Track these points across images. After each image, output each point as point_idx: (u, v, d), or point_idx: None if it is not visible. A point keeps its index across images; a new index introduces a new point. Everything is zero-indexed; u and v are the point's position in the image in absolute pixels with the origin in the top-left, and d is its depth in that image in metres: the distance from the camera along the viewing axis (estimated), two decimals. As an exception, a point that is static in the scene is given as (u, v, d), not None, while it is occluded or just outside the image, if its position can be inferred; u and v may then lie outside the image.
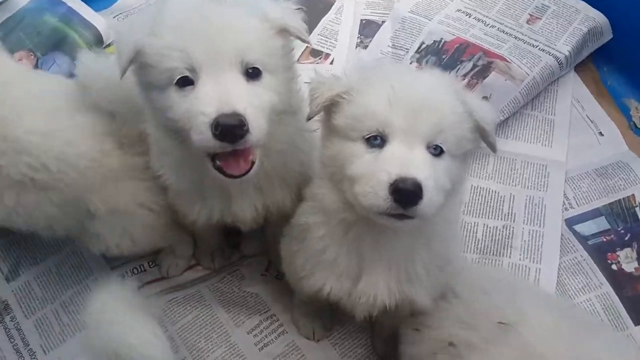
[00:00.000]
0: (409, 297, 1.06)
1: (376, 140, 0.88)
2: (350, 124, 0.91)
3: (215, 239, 1.50)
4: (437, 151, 0.89)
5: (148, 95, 0.99)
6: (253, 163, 0.97)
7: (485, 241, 1.59)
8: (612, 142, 1.80)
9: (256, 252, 1.56)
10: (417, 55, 1.86)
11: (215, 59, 0.90)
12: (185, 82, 0.91)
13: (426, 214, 0.85)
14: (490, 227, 1.62)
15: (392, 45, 1.90)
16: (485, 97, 1.71)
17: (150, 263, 1.53)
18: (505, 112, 1.75)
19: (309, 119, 0.99)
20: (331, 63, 1.93)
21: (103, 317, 0.98)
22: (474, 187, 1.69)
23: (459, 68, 1.80)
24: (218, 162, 0.95)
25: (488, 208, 1.66)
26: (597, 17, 1.88)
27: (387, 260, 1.03)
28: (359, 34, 2.01)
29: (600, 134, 1.82)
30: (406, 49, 1.88)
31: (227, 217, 1.19)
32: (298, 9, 1.06)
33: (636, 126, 1.86)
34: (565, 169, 1.72)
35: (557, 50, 1.83)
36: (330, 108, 0.95)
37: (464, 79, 1.75)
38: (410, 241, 1.01)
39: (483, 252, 1.57)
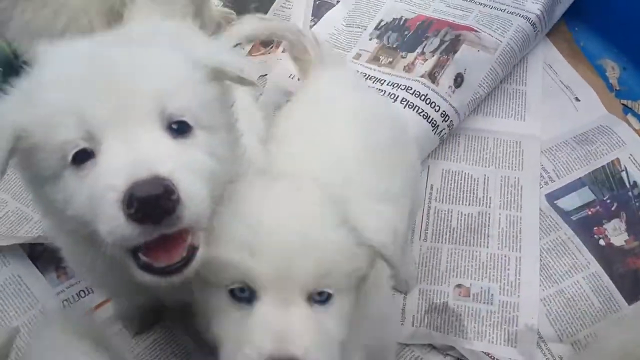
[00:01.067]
0: None
1: (243, 292, 0.68)
2: (209, 271, 0.69)
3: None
4: (323, 297, 0.69)
5: (39, 195, 0.75)
6: (195, 250, 0.68)
7: (460, 230, 1.47)
8: (590, 106, 1.67)
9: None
10: (377, 32, 1.76)
11: (121, 113, 0.65)
12: (84, 157, 0.66)
13: None
14: (464, 215, 1.50)
15: (347, 24, 1.81)
16: (460, 74, 1.59)
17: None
18: (484, 86, 1.63)
19: None
20: (283, 51, 1.77)
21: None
22: (445, 170, 1.57)
23: (425, 44, 1.68)
24: (142, 258, 0.68)
25: (461, 193, 1.54)
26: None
27: None
28: (312, 16, 1.89)
29: (577, 99, 1.69)
30: (363, 26, 1.79)
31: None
32: (235, 45, 0.90)
33: (614, 88, 1.72)
34: (541, 141, 1.59)
35: (526, 11, 1.71)
36: None
37: (432, 56, 1.63)
38: None
39: (458, 242, 1.45)
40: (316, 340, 0.65)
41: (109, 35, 0.91)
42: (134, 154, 0.63)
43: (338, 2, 1.90)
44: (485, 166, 1.57)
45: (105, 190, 0.62)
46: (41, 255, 1.42)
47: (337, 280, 0.69)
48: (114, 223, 0.62)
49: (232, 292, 0.68)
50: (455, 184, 1.55)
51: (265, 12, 1.89)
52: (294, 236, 0.67)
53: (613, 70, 1.76)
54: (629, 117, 1.66)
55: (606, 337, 1.07)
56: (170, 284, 0.69)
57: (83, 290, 1.41)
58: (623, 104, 1.69)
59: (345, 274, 0.70)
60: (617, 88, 1.73)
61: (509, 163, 1.57)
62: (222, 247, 0.67)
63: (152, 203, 0.60)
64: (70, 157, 0.66)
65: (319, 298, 0.68)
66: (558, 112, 1.66)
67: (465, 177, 1.56)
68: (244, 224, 0.68)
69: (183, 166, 0.65)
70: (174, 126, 0.68)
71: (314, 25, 1.86)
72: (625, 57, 1.75)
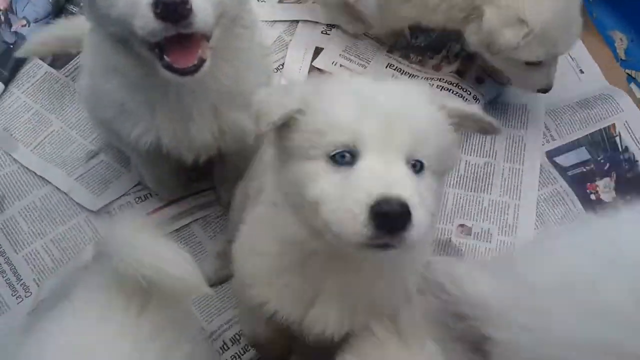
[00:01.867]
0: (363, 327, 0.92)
1: (344, 158, 0.73)
2: (309, 141, 0.75)
3: (164, 167, 1.41)
4: (417, 167, 0.75)
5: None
6: (203, 61, 0.94)
7: (466, 177, 1.62)
8: (593, 78, 1.79)
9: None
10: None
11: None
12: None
13: (414, 241, 0.69)
14: (472, 164, 1.64)
15: None
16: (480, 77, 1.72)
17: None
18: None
19: (257, 137, 0.95)
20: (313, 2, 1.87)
21: (128, 244, 0.90)
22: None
23: (449, 47, 1.79)
24: (166, 58, 0.92)
25: (470, 146, 1.68)
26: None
27: (344, 290, 0.88)
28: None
29: (581, 71, 1.80)
30: None
31: (180, 141, 1.15)
32: None
33: (620, 58, 1.85)
34: (545, 103, 1.72)
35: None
36: (281, 126, 0.78)
37: (456, 60, 1.75)
38: (373, 272, 0.87)
39: (464, 188, 1.61)
40: (416, 196, 0.70)
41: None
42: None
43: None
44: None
45: None
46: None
47: (430, 154, 0.75)
48: (145, 20, 0.86)
49: (332, 158, 0.73)
50: (466, 137, 1.69)
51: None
52: (395, 105, 0.75)
53: (621, 41, 1.88)
54: (632, 85, 1.80)
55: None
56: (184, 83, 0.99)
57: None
58: (627, 74, 1.82)
59: (437, 150, 0.76)
60: (623, 58, 1.85)
61: (515, 122, 1.71)
62: (333, 111, 0.75)
63: (172, 6, 0.84)
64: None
65: (414, 168, 0.74)
66: (562, 82, 1.74)
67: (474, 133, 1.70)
68: (351, 95, 0.76)
69: None
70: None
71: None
72: (634, 30, 1.87)
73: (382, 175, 0.70)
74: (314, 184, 0.73)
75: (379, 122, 0.72)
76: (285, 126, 0.77)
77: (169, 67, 0.94)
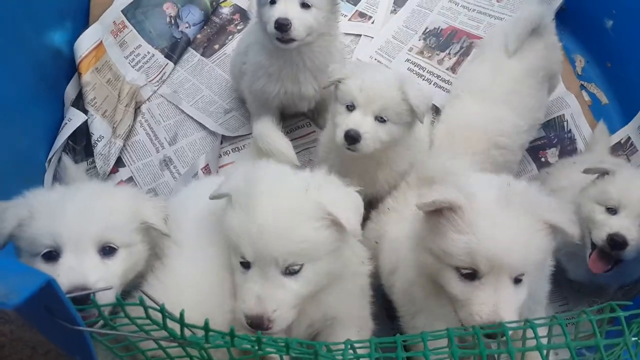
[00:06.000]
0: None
1: (351, 107, 1.67)
2: (340, 95, 1.69)
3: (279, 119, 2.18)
4: (382, 120, 1.65)
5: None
6: (293, 40, 1.82)
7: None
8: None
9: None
10: (423, 36, 2.74)
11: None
12: None
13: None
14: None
15: (405, 26, 2.79)
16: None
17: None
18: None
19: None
20: (372, 23, 2.83)
21: (264, 132, 1.77)
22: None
23: (451, 47, 2.67)
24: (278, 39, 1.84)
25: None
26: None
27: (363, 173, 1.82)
28: (393, 3, 2.89)
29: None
30: (415, 30, 2.77)
31: (295, 93, 2.06)
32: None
33: (578, 73, 2.70)
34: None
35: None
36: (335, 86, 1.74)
37: (455, 57, 2.62)
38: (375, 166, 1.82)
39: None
40: (373, 131, 1.66)
41: None
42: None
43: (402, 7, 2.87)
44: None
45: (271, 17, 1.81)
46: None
47: (390, 114, 1.69)
48: (270, 27, 1.82)
49: (346, 107, 1.70)
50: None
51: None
52: (378, 87, 1.68)
53: (580, 61, 2.72)
54: (583, 92, 2.64)
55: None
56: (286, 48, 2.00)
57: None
58: (581, 83, 2.67)
59: (395, 112, 1.68)
60: (580, 73, 2.70)
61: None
62: (350, 84, 1.70)
63: (282, 23, 1.79)
64: None
65: (380, 120, 1.67)
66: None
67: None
68: (360, 77, 1.66)
69: (302, 21, 1.81)
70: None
71: (394, 10, 2.84)
72: (589, 54, 2.72)
73: (357, 120, 1.66)
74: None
75: (367, 95, 1.66)
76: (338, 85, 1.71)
77: (279, 40, 1.84)
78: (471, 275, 1.16)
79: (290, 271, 1.20)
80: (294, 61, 1.99)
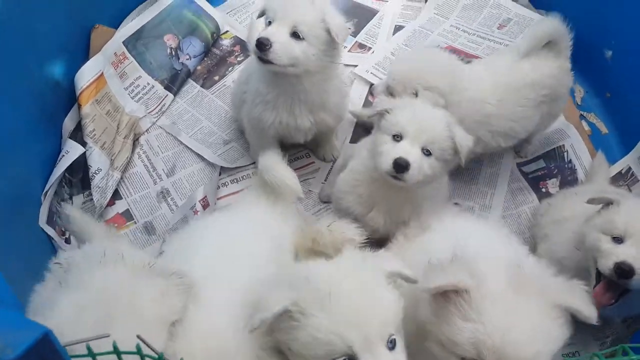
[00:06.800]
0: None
1: (397, 137, 1.65)
2: (386, 125, 1.68)
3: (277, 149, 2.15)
4: (427, 153, 1.63)
5: None
6: (271, 62, 1.81)
7: (461, 174, 2.49)
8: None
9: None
10: None
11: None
12: None
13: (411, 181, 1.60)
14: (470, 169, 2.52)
15: (405, 44, 2.83)
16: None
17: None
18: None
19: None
20: (372, 53, 2.85)
21: (269, 165, 1.82)
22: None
23: None
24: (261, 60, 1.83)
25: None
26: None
27: (387, 205, 1.81)
28: (393, 34, 2.92)
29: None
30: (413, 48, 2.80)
31: (290, 124, 2.06)
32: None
33: (577, 102, 2.71)
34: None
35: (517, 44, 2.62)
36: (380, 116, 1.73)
37: None
38: (402, 198, 1.78)
39: (459, 179, 2.48)
40: (419, 164, 1.63)
41: None
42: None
43: (403, 27, 2.91)
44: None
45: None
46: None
47: (435, 148, 1.64)
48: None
49: (393, 137, 1.67)
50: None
51: (363, 27, 2.93)
52: (428, 120, 1.66)
53: (579, 92, 2.74)
54: (582, 122, 2.65)
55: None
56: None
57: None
58: (581, 113, 2.68)
59: (440, 147, 1.65)
60: (579, 103, 2.71)
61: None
62: (399, 115, 1.67)
63: (262, 43, 1.91)
64: None
65: (425, 153, 1.64)
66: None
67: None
68: (410, 110, 1.69)
69: (278, 40, 1.78)
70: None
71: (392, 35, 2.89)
72: (588, 85, 2.74)
73: (406, 150, 1.63)
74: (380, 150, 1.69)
75: (417, 127, 1.65)
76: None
77: (259, 59, 1.83)
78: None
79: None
80: (288, 92, 2.00)
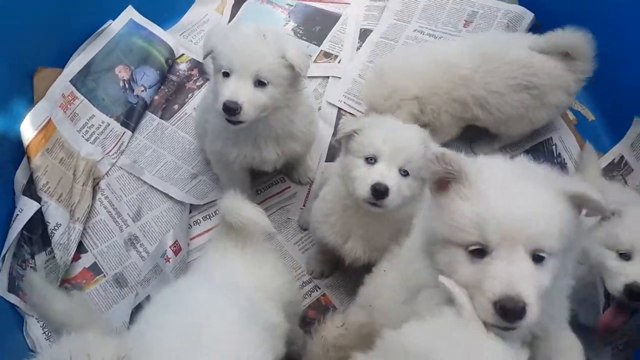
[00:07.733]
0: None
1: (371, 160, 1.52)
2: (356, 147, 1.55)
3: (247, 179, 2.15)
4: (404, 174, 1.50)
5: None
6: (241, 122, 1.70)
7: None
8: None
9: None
10: None
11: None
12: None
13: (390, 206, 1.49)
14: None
15: (369, 61, 2.63)
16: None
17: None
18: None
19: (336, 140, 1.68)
20: (339, 62, 2.67)
21: (231, 206, 1.55)
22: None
23: None
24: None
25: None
26: (513, 9, 2.58)
27: (365, 233, 1.69)
28: (359, 39, 2.73)
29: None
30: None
31: (256, 157, 1.93)
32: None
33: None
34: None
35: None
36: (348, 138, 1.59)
37: None
38: (381, 225, 1.65)
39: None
40: (399, 186, 1.46)
41: None
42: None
43: (372, 31, 2.72)
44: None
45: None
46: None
47: (413, 166, 1.51)
48: (220, 109, 1.74)
49: (366, 160, 1.51)
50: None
51: (327, 34, 2.73)
52: (402, 139, 1.52)
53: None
54: (567, 110, 2.49)
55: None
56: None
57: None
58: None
59: (417, 164, 1.49)
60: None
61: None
62: (371, 135, 1.52)
63: (232, 112, 1.68)
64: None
65: (403, 174, 1.50)
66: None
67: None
68: (382, 129, 1.54)
69: (250, 100, 1.66)
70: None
71: (360, 46, 2.69)
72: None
73: (383, 171, 1.48)
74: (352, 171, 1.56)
75: (391, 146, 1.51)
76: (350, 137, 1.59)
77: (229, 121, 1.71)
78: (480, 252, 1.02)
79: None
80: (252, 129, 1.83)
